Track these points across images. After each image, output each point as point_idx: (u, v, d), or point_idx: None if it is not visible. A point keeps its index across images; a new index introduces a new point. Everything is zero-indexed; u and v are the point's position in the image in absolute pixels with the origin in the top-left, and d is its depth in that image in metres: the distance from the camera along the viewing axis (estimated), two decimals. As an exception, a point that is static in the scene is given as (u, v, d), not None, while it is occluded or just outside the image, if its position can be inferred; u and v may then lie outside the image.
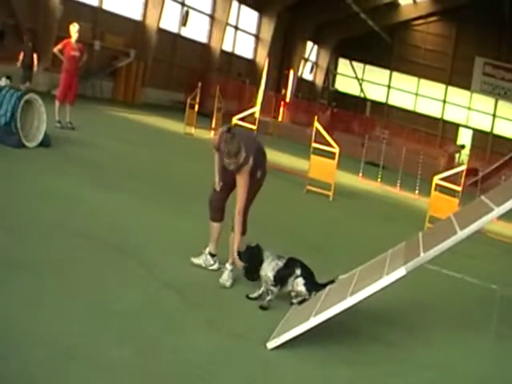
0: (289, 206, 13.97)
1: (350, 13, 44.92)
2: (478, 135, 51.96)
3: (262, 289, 7.02)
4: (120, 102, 28.72)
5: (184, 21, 34.59)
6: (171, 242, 8.55)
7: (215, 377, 5.21)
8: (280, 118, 41.45)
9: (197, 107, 22.84)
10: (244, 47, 42.88)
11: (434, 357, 6.67)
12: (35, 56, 19.78)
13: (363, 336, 6.73)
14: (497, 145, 49.58)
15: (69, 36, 16.47)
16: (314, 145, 15.83)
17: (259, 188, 7.76)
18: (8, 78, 15.33)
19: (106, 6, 29.02)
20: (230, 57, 40.67)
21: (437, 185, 14.69)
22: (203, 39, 37.50)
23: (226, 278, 7.39)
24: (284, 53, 47.70)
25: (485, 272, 11.24)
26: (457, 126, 52.97)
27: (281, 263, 6.96)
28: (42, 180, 10.36)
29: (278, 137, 29.90)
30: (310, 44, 51.71)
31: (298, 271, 6.96)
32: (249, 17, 42.57)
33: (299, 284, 6.94)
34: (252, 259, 7.02)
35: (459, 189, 14.79)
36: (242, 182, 7.26)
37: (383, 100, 56.00)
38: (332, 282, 7.07)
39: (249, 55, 43.59)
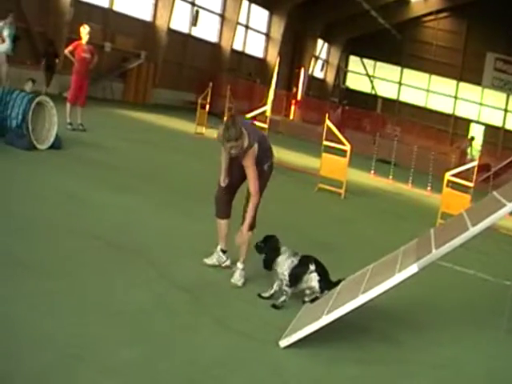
0: (300, 204, 13.96)
1: (361, 10, 44.84)
2: (490, 130, 51.74)
3: (275, 287, 7.01)
4: (131, 103, 28.77)
5: (194, 21, 34.62)
6: (182, 242, 8.56)
7: (227, 377, 5.22)
8: (291, 117, 41.41)
9: (207, 107, 22.86)
10: (254, 46, 42.89)
11: (444, 355, 6.64)
12: (56, 60, 19.98)
13: (374, 335, 6.71)
14: (508, 140, 49.36)
15: (79, 38, 16.52)
16: (325, 143, 15.80)
17: (266, 182, 7.75)
18: (33, 81, 15.50)
19: (116, 8, 29.09)
20: (240, 56, 40.68)
21: (448, 181, 14.65)
22: (213, 39, 37.52)
23: (237, 277, 7.40)
24: (295, 51, 47.66)
25: (497, 268, 11.20)
26: (468, 121, 52.76)
27: (296, 260, 6.98)
28: (52, 181, 10.40)
29: (288, 135, 29.87)
30: (320, 42, 51.65)
31: (312, 267, 6.96)
32: (259, 15, 42.56)
33: (313, 279, 6.94)
34: (271, 249, 7.03)
35: (471, 185, 14.74)
36: (249, 163, 7.26)
37: (394, 97, 55.85)
38: (341, 280, 7.07)
39: (259, 54, 43.60)
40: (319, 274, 6.95)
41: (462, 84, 53.20)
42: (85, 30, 16.37)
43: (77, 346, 5.11)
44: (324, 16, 46.85)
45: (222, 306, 6.65)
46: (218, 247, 7.84)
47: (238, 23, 38.23)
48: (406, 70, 55.10)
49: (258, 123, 16.93)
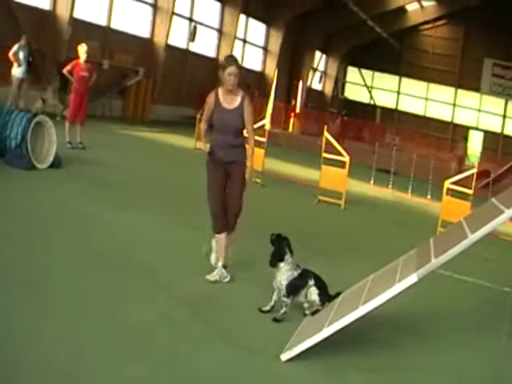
0: (300, 216, 13.98)
1: (358, 20, 45.00)
2: (489, 137, 51.90)
3: (274, 298, 7.05)
4: (130, 119, 28.82)
5: (192, 36, 34.70)
6: (184, 258, 8.59)
7: (230, 391, 5.24)
8: (290, 129, 41.44)
9: (207, 122, 22.87)
10: (253, 60, 42.99)
11: (446, 362, 6.69)
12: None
13: (376, 343, 6.75)
14: (508, 145, 49.48)
15: (77, 57, 16.58)
16: (325, 155, 15.85)
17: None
18: (44, 100, 15.63)
19: (114, 25, 29.20)
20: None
21: (448, 189, 14.67)
22: (212, 54, 37.60)
23: (216, 276, 7.79)
24: (293, 63, 47.76)
25: (497, 275, 11.21)
26: (467, 128, 52.84)
27: (296, 273, 7.01)
28: (53, 200, 10.46)
29: (288, 148, 29.92)
30: (318, 53, 51.79)
31: (311, 282, 7.00)
32: (257, 29, 42.73)
33: (313, 293, 6.98)
34: (280, 248, 7.06)
35: (471, 192, 14.74)
36: (252, 111, 7.91)
37: (393, 106, 56.00)
38: (339, 293, 7.11)
39: (258, 67, 43.72)
40: (318, 288, 6.98)
41: (460, 91, 53.41)
42: (82, 49, 16.44)
43: (83, 362, 5.16)
44: (321, 28, 46.96)
45: (224, 320, 6.68)
46: (220, 263, 7.89)
47: (235, 37, 38.30)
48: (404, 79, 55.28)
49: (257, 137, 16.99)
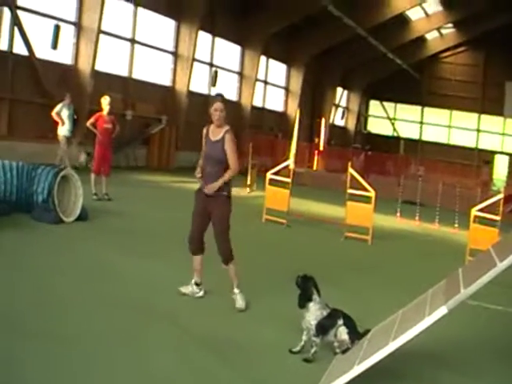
0: (327, 254, 13.96)
1: (377, 54, 45.21)
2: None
3: (304, 338, 7.05)
4: (155, 168, 28.93)
5: (213, 81, 34.94)
6: (212, 305, 8.59)
7: None
8: (314, 167, 41.46)
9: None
10: (274, 100, 43.25)
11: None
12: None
13: (409, 379, 6.71)
14: (533, 168, 49.17)
15: (100, 109, 16.81)
16: (350, 191, 15.87)
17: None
18: (88, 154, 15.82)
19: (135, 75, 29.57)
20: (261, 112, 40.97)
21: (475, 216, 14.59)
22: (233, 97, 37.83)
23: (240, 302, 8.29)
24: (314, 101, 47.98)
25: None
26: (492, 153, 52.57)
27: (325, 313, 7.01)
28: (81, 252, 10.55)
29: (313, 186, 29.92)
30: (339, 89, 51.97)
31: (341, 321, 7.00)
32: (277, 70, 43.00)
33: (342, 333, 6.97)
34: (306, 289, 7.09)
35: (498, 218, 14.65)
36: (229, 141, 8.36)
37: (416, 137, 55.98)
38: (368, 330, 7.11)
39: (279, 108, 43.95)
40: (348, 327, 6.98)
41: (483, 116, 53.25)
42: (105, 101, 16.67)
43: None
44: (341, 64, 47.27)
45: (252, 363, 6.66)
46: (193, 280, 8.59)
47: (256, 79, 38.56)
48: (426, 109, 55.31)
49: (281, 178, 17.08)
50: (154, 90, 30.54)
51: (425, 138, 55.92)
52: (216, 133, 8.48)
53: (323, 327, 6.96)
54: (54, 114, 20.29)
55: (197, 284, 8.67)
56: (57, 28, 23.68)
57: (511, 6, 38.81)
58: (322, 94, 48.25)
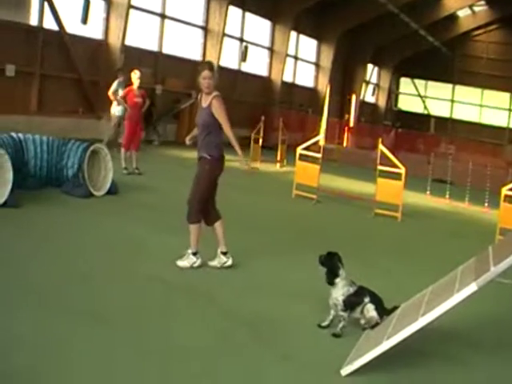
0: (357, 230, 13.96)
1: (409, 31, 44.89)
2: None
3: (332, 314, 7.04)
4: (184, 143, 28.83)
5: (243, 56, 34.87)
6: (240, 280, 8.61)
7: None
8: (345, 144, 41.33)
9: (261, 141, 22.97)
10: (305, 76, 43.08)
11: (509, 374, 6.56)
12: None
13: (437, 356, 6.66)
14: None
15: (130, 83, 16.82)
16: (380, 167, 15.78)
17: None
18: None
19: (165, 50, 29.57)
20: (291, 88, 40.83)
21: (505, 196, 14.45)
22: (263, 73, 37.76)
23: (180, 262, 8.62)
24: (345, 78, 47.75)
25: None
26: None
27: (352, 289, 6.98)
28: (111, 227, 10.61)
29: (343, 163, 29.79)
30: (370, 66, 51.67)
31: (367, 299, 6.96)
32: (308, 45, 42.83)
33: (369, 310, 6.93)
34: (333, 265, 7.04)
35: (528, 196, 14.49)
36: (218, 107, 8.61)
37: (447, 115, 55.54)
38: (396, 307, 7.07)
39: (310, 84, 43.76)
40: (374, 304, 6.95)
41: (515, 95, 52.76)
42: (136, 75, 16.67)
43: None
44: (372, 40, 46.92)
45: (283, 339, 6.66)
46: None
47: (287, 55, 38.40)
48: (457, 87, 54.84)
49: (311, 153, 17.01)
50: (184, 65, 30.47)
51: (455, 116, 55.53)
52: (205, 100, 8.69)
53: (350, 303, 6.94)
54: (110, 93, 18.87)
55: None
56: (87, 3, 23.70)
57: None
58: (353, 70, 48.00)
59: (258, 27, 36.79)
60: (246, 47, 34.96)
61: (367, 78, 51.97)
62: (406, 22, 42.31)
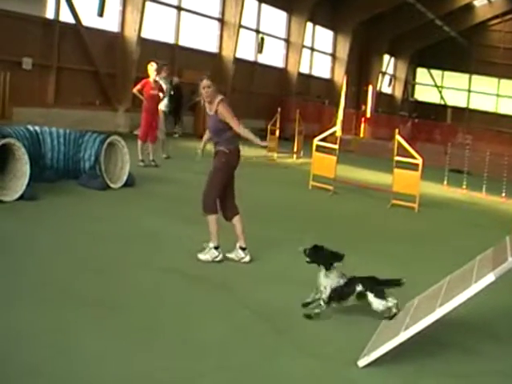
0: (374, 221, 13.95)
1: (425, 21, 44.70)
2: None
3: (313, 296, 7.12)
4: (201, 135, 28.79)
5: (260, 48, 34.85)
6: (257, 271, 8.62)
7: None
8: (361, 135, 41.22)
9: (278, 132, 22.95)
10: (321, 67, 43.00)
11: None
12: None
13: (454, 347, 6.65)
14: None
15: (147, 76, 16.83)
16: (397, 158, 15.73)
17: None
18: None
19: (181, 42, 29.58)
20: (307, 79, 40.79)
21: (523, 185, 14.40)
22: (280, 64, 37.73)
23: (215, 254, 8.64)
24: (361, 68, 47.63)
25: None
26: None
27: (342, 281, 6.97)
28: (127, 218, 10.68)
29: (360, 153, 29.71)
30: (386, 57, 51.51)
31: (359, 288, 6.93)
32: (324, 36, 42.75)
33: (371, 300, 6.90)
34: (318, 258, 7.04)
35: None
36: (223, 111, 8.76)
37: (464, 105, 55.28)
38: (398, 280, 7.04)
39: (326, 75, 43.69)
40: (370, 291, 6.90)
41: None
42: (152, 67, 16.67)
43: (162, 379, 5.23)
44: (388, 31, 46.77)
45: (299, 330, 6.66)
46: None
47: (303, 46, 38.38)
48: (474, 77, 54.55)
49: (328, 144, 16.97)
50: (201, 57, 30.50)
51: (472, 106, 55.25)
52: (210, 107, 8.91)
53: (340, 294, 6.95)
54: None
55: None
56: (103, -5, 23.74)
57: None
58: (369, 60, 47.87)
59: (274, 18, 36.76)
60: (263, 39, 34.94)
61: (384, 69, 51.80)
62: (422, 11, 42.10)
